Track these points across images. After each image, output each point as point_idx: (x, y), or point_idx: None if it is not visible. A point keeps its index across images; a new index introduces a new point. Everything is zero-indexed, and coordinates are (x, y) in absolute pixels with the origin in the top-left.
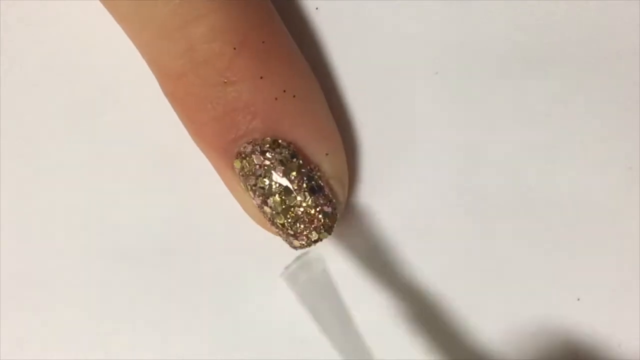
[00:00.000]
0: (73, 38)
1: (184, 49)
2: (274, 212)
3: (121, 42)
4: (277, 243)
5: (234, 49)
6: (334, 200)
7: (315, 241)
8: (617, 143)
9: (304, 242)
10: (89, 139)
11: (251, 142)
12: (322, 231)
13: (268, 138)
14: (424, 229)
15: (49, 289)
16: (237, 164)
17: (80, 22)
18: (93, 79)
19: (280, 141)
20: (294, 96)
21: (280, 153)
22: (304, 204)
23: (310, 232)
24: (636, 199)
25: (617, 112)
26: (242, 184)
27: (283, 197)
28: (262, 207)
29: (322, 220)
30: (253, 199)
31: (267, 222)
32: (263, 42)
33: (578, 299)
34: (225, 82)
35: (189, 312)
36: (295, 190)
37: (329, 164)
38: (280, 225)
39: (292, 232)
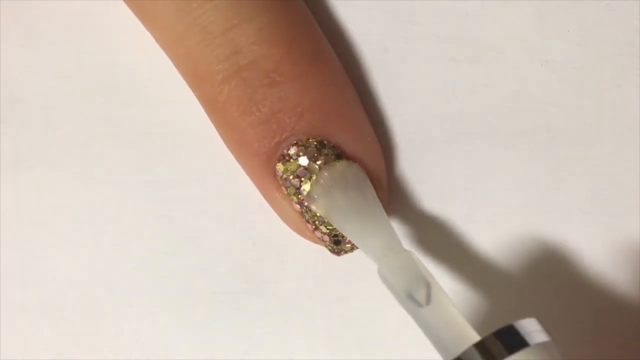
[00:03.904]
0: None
1: (229, 52)
2: (319, 215)
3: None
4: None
5: (281, 50)
6: None
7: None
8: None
9: (349, 245)
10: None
11: (295, 143)
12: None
13: (313, 139)
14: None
15: (49, 289)
16: (281, 167)
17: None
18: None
19: (325, 142)
20: (337, 98)
21: (327, 154)
22: None
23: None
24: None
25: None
26: (283, 190)
27: None
28: (305, 214)
29: None
30: (296, 203)
31: (309, 229)
32: (307, 44)
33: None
34: (271, 83)
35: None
36: None
37: (370, 166)
38: (325, 230)
39: (337, 236)
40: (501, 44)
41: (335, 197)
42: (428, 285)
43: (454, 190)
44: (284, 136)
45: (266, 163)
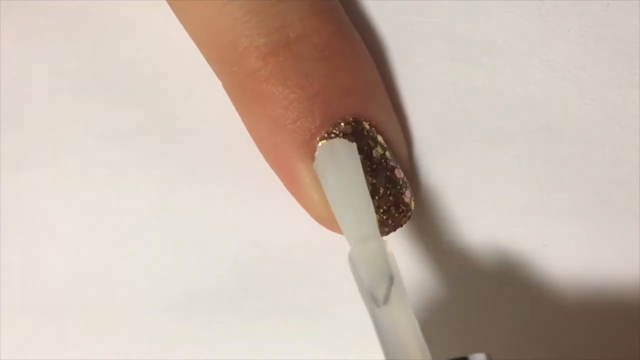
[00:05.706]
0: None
1: (278, 25)
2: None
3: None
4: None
5: (333, 27)
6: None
7: (398, 227)
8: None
9: (388, 229)
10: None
11: (341, 121)
12: (405, 216)
13: (355, 118)
14: None
15: (49, 289)
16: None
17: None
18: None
19: (366, 123)
20: (377, 82)
21: (368, 134)
22: (391, 185)
23: (398, 217)
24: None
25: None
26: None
27: (370, 178)
28: None
29: (407, 205)
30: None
31: None
32: (351, 27)
33: None
34: (322, 57)
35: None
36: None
37: (400, 147)
38: None
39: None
40: (501, 44)
41: (326, 174)
42: (390, 284)
43: (454, 190)
44: (330, 112)
45: (307, 141)
